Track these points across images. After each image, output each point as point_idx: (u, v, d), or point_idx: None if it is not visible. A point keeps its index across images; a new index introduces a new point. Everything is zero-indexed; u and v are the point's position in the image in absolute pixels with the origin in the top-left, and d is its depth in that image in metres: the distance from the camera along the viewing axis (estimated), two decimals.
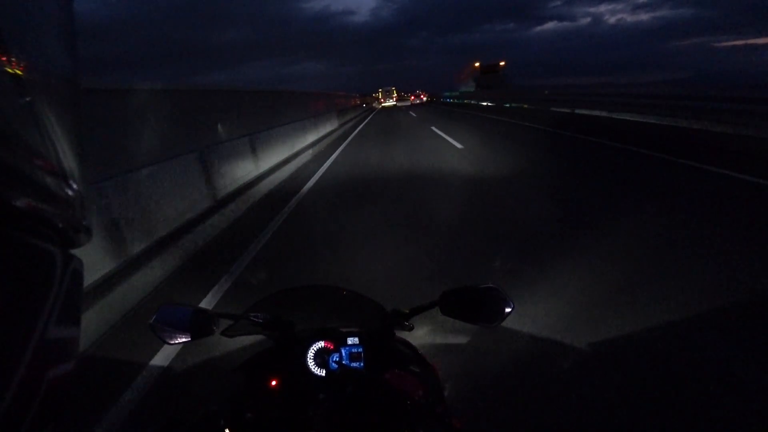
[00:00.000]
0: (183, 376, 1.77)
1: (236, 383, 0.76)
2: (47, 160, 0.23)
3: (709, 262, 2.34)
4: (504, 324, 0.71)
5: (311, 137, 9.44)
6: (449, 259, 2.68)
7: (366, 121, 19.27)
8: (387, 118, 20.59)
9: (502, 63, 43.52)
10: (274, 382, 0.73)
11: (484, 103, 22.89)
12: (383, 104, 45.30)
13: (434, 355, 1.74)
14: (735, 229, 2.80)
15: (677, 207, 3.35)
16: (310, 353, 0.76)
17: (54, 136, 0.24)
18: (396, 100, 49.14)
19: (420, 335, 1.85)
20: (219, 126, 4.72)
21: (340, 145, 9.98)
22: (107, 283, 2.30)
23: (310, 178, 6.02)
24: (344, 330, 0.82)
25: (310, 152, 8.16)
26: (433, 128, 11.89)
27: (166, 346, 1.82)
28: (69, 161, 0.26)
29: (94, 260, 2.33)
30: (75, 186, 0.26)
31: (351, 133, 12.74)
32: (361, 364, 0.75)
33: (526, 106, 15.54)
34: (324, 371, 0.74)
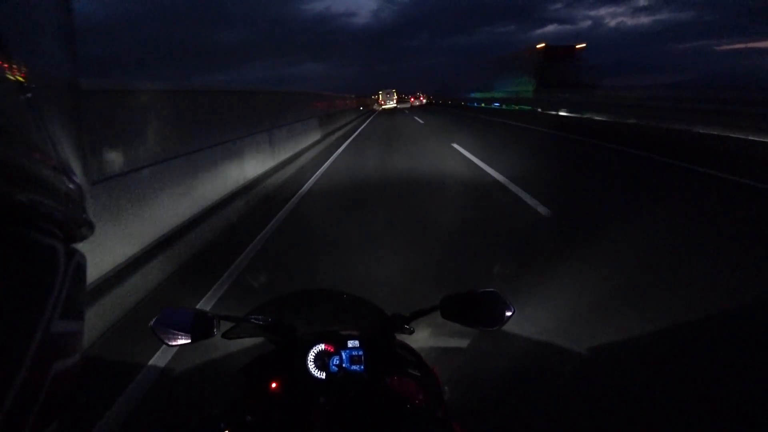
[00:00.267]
0: (184, 379, 1.77)
1: (237, 386, 0.77)
2: (47, 155, 0.23)
3: None
4: (504, 328, 0.71)
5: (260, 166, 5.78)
6: None
7: (359, 130, 14.00)
8: (387, 127, 14.74)
9: (581, 46, 27.36)
10: (274, 385, 0.73)
11: (554, 112, 14.09)
12: (383, 106, 45.08)
13: (434, 358, 1.73)
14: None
15: None
16: (311, 356, 0.76)
17: (53, 131, 0.24)
18: (396, 102, 49.17)
19: (420, 339, 1.84)
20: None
21: (313, 174, 6.20)
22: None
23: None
24: (345, 333, 0.82)
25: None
26: (463, 151, 7.21)
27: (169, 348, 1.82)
28: (69, 156, 0.26)
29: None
30: (75, 180, 0.26)
31: (329, 157, 7.95)
32: (362, 368, 0.75)
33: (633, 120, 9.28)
34: (324, 374, 0.74)
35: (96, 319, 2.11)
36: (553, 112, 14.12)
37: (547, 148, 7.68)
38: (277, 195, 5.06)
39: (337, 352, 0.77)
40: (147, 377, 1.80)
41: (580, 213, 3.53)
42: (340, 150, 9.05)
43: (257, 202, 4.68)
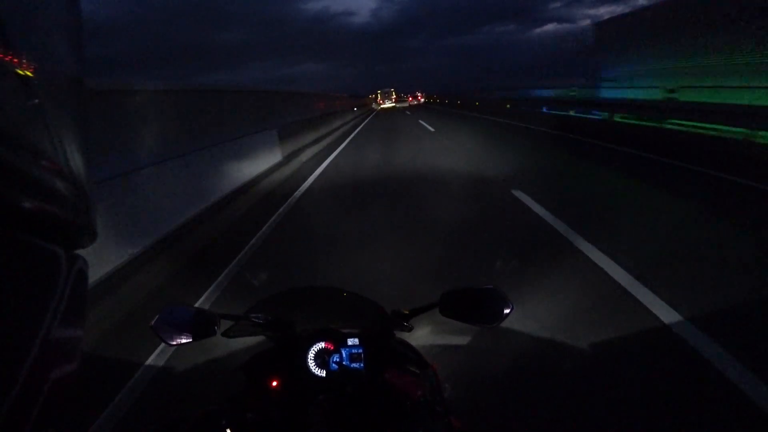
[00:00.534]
0: (184, 376, 1.78)
1: (237, 383, 0.77)
2: (53, 162, 0.23)
3: None
4: (503, 324, 0.72)
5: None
6: None
7: (344, 145, 9.91)
8: (385, 140, 10.38)
9: None
10: (274, 383, 0.73)
11: None
12: (382, 105, 45.18)
13: (433, 355, 1.74)
14: None
15: None
16: (311, 354, 0.76)
17: (60, 137, 0.24)
18: (395, 102, 49.27)
19: (419, 336, 1.85)
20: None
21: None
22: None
23: None
24: (344, 331, 0.82)
25: None
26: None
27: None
28: (75, 162, 0.26)
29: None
30: (81, 187, 0.26)
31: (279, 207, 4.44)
32: (361, 365, 0.75)
33: None
34: (324, 372, 0.74)
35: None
36: None
37: None
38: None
39: (337, 350, 0.77)
40: (148, 375, 1.81)
41: None
42: (302, 190, 5.20)
43: None
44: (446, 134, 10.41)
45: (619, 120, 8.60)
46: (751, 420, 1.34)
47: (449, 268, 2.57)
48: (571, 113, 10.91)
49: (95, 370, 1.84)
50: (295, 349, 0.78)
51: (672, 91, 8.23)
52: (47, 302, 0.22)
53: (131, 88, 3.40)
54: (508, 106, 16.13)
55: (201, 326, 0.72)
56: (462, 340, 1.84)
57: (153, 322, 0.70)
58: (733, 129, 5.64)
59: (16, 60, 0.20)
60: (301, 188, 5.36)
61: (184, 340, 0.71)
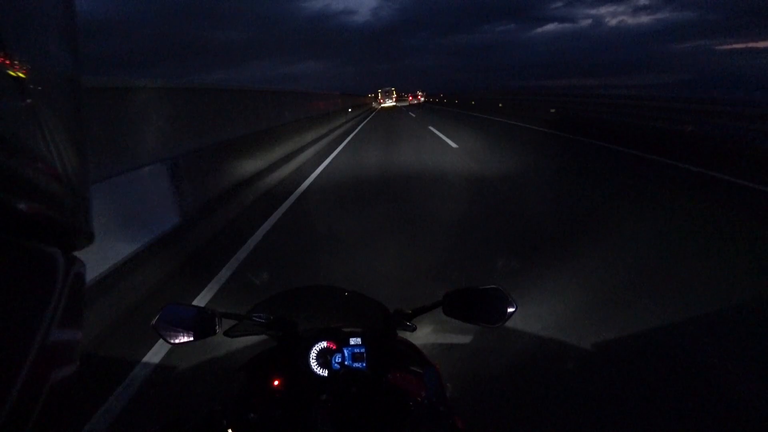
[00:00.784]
0: (186, 376, 1.78)
1: (239, 383, 0.76)
2: (49, 164, 0.23)
3: None
4: (506, 324, 0.71)
5: None
6: None
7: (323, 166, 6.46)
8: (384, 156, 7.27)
9: None
10: (276, 382, 0.73)
11: None
12: (382, 105, 45.23)
13: (436, 355, 1.74)
14: None
15: None
16: (313, 353, 0.76)
17: (56, 139, 0.24)
18: (395, 101, 49.37)
19: (422, 335, 1.85)
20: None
21: None
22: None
23: None
24: (347, 330, 0.82)
25: None
26: None
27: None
28: (71, 164, 0.26)
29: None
30: (77, 189, 0.26)
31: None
32: (364, 365, 0.75)
33: None
34: (327, 371, 0.74)
35: None
36: None
37: None
38: None
39: (339, 350, 0.76)
40: (149, 374, 1.80)
41: None
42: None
43: None
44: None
45: None
46: None
47: None
48: None
49: (96, 368, 1.84)
50: (297, 348, 0.77)
51: None
52: (45, 304, 0.22)
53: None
54: (500, 105, 16.58)
55: (202, 325, 0.72)
56: (465, 339, 1.84)
57: (154, 321, 0.70)
58: None
59: (8, 62, 0.20)
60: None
61: (185, 339, 0.71)
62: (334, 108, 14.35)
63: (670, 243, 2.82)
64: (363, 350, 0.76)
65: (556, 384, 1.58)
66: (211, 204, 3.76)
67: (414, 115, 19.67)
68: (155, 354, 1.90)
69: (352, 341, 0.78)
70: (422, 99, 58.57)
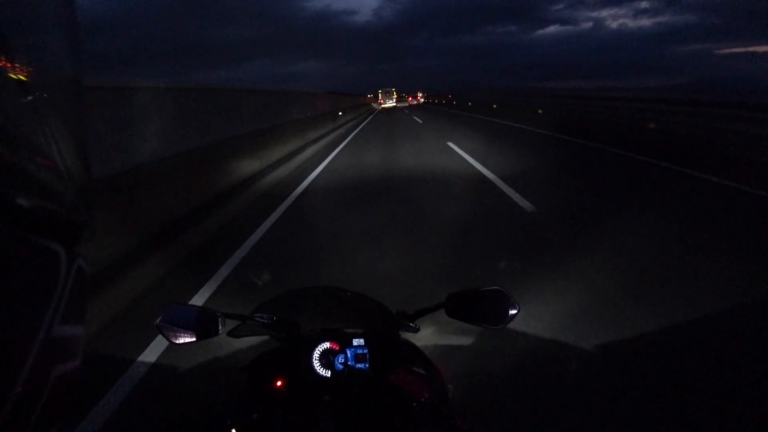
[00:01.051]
0: (189, 376, 1.78)
1: (242, 383, 0.76)
2: (50, 158, 0.23)
3: None
4: (509, 325, 0.72)
5: None
6: None
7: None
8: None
9: None
10: (279, 383, 0.73)
11: None
12: (383, 105, 45.25)
13: (439, 356, 1.73)
14: None
15: None
16: (316, 354, 0.76)
17: (58, 135, 0.24)
18: (396, 101, 49.48)
19: (425, 336, 1.85)
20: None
21: None
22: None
23: None
24: (350, 331, 0.82)
25: None
26: None
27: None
28: (72, 158, 0.26)
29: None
30: (78, 183, 0.26)
31: None
32: (367, 365, 0.75)
33: None
34: (329, 372, 0.74)
35: None
36: None
37: None
38: None
39: (342, 350, 0.76)
40: (151, 373, 1.80)
41: None
42: None
43: None
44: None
45: None
46: None
47: None
48: None
49: (98, 366, 1.84)
50: (299, 349, 0.77)
51: None
52: (47, 299, 0.22)
53: None
54: (494, 106, 17.54)
55: (205, 325, 0.72)
56: (467, 341, 1.83)
57: (157, 321, 0.70)
58: None
59: (10, 65, 0.20)
60: None
61: (187, 339, 0.71)
62: (312, 113, 10.61)
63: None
64: (366, 351, 0.76)
65: (558, 385, 1.58)
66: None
67: (421, 122, 16.52)
68: (159, 353, 1.90)
69: (355, 342, 0.78)
70: (422, 100, 59.16)
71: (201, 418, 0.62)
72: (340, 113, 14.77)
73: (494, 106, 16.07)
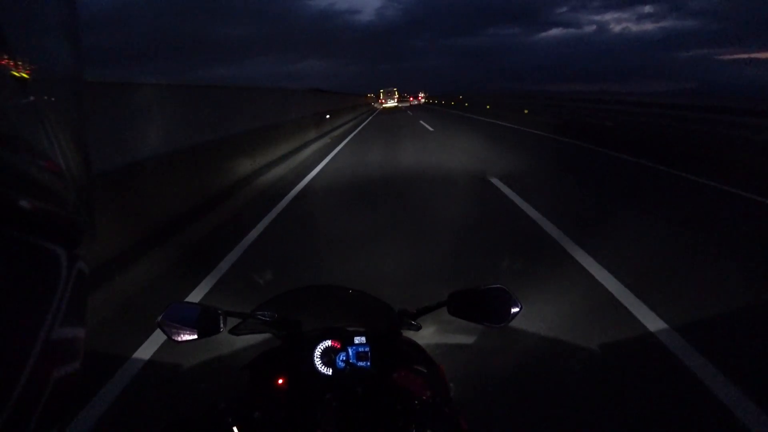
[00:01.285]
0: (191, 374, 1.78)
1: (243, 381, 0.76)
2: (51, 160, 0.23)
3: None
4: (511, 324, 0.72)
5: None
6: None
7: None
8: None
9: None
10: (281, 381, 0.73)
11: None
12: (384, 105, 45.31)
13: (441, 354, 1.73)
14: None
15: None
16: (318, 352, 0.76)
17: (59, 136, 0.24)
18: (397, 101, 49.63)
19: (427, 335, 1.84)
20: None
21: None
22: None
23: None
24: (351, 329, 0.82)
25: None
26: None
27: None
28: (73, 159, 0.26)
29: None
30: (79, 185, 0.26)
31: None
32: (368, 364, 0.75)
33: None
34: (331, 370, 0.74)
35: None
36: None
37: None
38: None
39: (344, 348, 0.76)
40: (152, 371, 1.80)
41: None
42: None
43: None
44: None
45: None
46: None
47: None
48: None
49: (95, 363, 1.84)
50: (301, 347, 0.77)
51: None
52: (48, 301, 0.22)
53: None
54: (488, 107, 18.66)
55: (206, 323, 0.72)
56: (469, 339, 1.83)
57: (159, 319, 0.70)
58: None
59: (12, 63, 0.20)
60: None
61: (189, 337, 0.71)
62: (282, 117, 7.56)
63: None
64: (367, 349, 0.76)
65: (561, 384, 1.58)
66: None
67: (432, 130, 12.72)
68: (158, 350, 1.90)
69: (357, 340, 0.77)
70: (422, 100, 59.58)
71: (202, 416, 0.62)
72: (328, 116, 12.01)
73: (487, 106, 16.25)
